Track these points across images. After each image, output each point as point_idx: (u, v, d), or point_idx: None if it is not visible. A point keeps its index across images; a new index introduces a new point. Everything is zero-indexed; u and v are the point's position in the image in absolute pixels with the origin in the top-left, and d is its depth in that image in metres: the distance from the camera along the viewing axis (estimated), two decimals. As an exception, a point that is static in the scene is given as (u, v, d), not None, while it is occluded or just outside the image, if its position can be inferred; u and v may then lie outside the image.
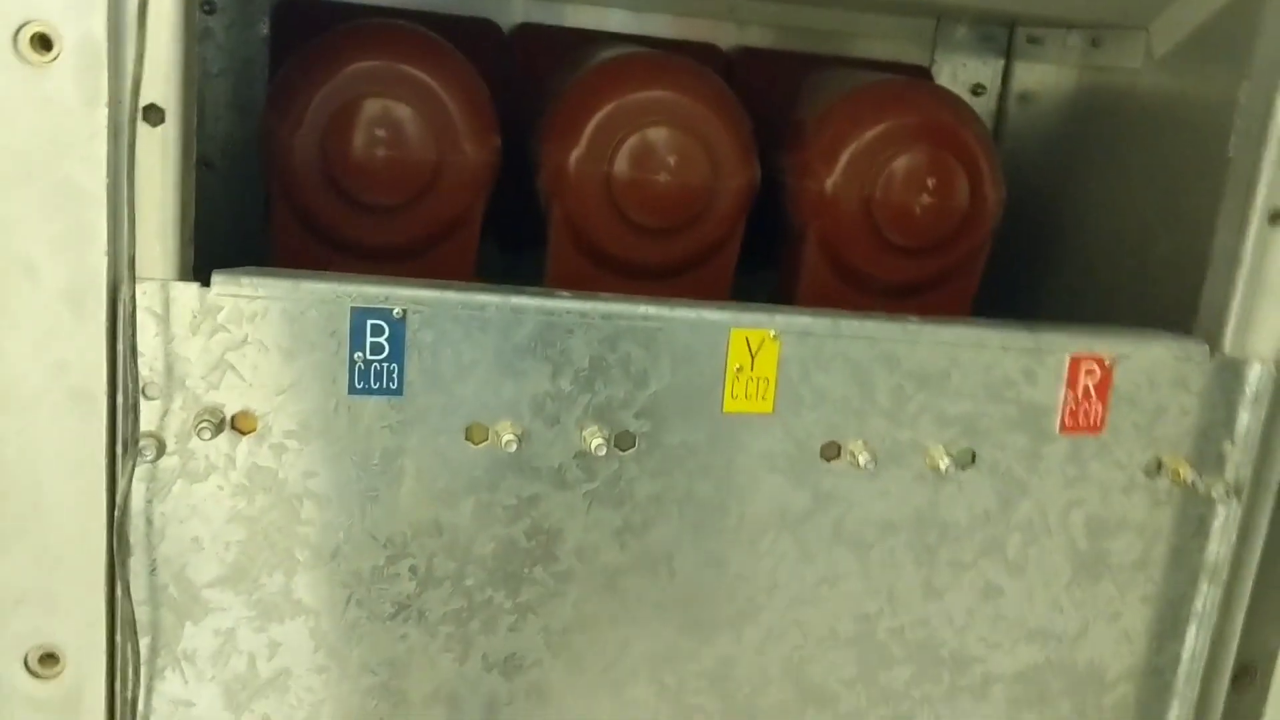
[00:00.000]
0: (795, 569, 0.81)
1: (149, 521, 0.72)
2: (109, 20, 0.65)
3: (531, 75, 1.08)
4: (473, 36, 1.10)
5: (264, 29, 1.07)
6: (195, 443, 0.71)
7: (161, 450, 0.71)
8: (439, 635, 0.77)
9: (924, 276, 0.97)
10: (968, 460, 0.81)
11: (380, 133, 0.85)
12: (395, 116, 0.86)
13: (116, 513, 0.70)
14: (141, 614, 0.73)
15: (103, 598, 0.72)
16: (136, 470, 0.71)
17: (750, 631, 0.81)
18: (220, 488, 0.73)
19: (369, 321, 0.72)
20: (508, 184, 0.92)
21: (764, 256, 0.99)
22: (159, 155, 0.68)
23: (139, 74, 0.65)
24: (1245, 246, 0.81)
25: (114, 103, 0.66)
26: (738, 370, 0.77)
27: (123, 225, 0.67)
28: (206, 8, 1.05)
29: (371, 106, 0.85)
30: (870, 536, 0.81)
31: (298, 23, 1.05)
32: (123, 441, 0.70)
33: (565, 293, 0.76)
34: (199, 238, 0.73)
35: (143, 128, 0.67)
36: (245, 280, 0.70)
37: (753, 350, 0.76)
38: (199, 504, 0.73)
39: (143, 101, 0.67)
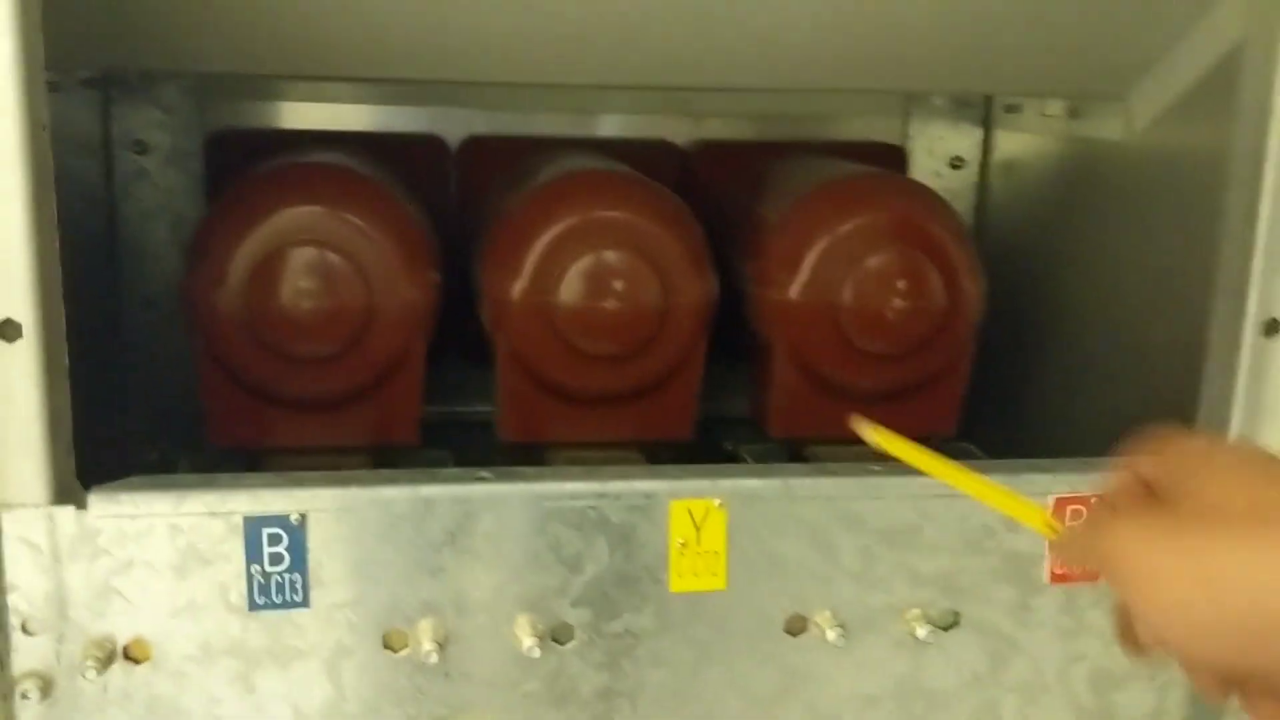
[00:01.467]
0: (767, 755, 0.73)
1: (43, 765, 0.66)
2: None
3: (479, 191, 1.02)
4: (418, 155, 1.05)
5: (198, 163, 1.02)
6: (86, 678, 0.65)
7: (49, 689, 0.65)
8: None
9: (906, 382, 0.90)
10: (950, 621, 0.73)
11: (306, 283, 0.80)
12: (320, 264, 0.80)
13: (-6, 769, 0.63)
14: None
15: None
16: (25, 712, 0.65)
17: (723, 828, 0.73)
18: (118, 721, 0.66)
19: (265, 530, 0.65)
20: (468, 299, 0.86)
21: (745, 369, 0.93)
22: (19, 373, 0.62)
23: (-18, 293, 0.59)
24: (1240, 360, 0.73)
25: (-41, 332, 0.60)
26: (682, 545, 0.69)
27: (-19, 453, 0.61)
28: (138, 149, 1.01)
29: (294, 256, 0.80)
30: (849, 714, 0.73)
31: (232, 154, 1.00)
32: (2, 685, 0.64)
33: (484, 473, 0.69)
34: (145, 384, 0.67)
35: (-2, 345, 0.61)
36: (125, 497, 0.64)
37: (696, 522, 0.69)
38: (96, 742, 0.66)
39: (-6, 319, 0.61)
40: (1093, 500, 0.70)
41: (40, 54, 0.60)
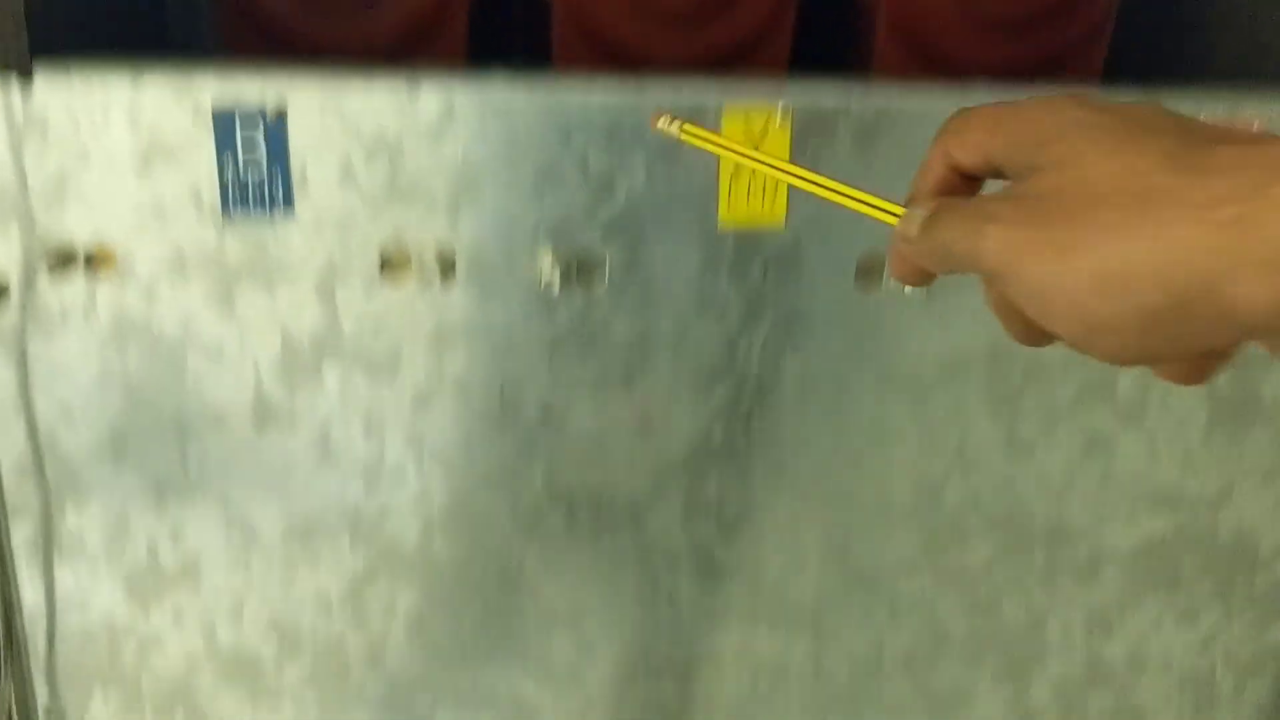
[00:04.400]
0: (830, 425, 0.62)
1: (5, 385, 0.59)
2: None
3: None
4: None
5: None
6: (43, 286, 0.57)
7: (3, 296, 0.57)
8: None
9: (1030, 58, 0.74)
10: (1060, 276, 0.60)
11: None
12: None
13: (-60, 376, 0.57)
14: (16, 496, 0.61)
15: (-45, 479, 0.60)
16: (-19, 322, 0.58)
17: (778, 506, 0.64)
18: (84, 341, 0.59)
19: (237, 122, 0.55)
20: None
21: (840, 47, 0.78)
22: (-62, -88, 0.52)
23: None
24: None
25: None
26: (735, 167, 0.58)
27: (-101, 8, 0.52)
28: None
29: None
30: (928, 379, 0.62)
31: None
32: (-51, 287, 0.56)
33: (498, 73, 0.58)
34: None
35: (-92, -125, 0.51)
36: (77, 76, 0.54)
37: (755, 137, 0.57)
38: (61, 362, 0.59)
39: None
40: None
41: None
